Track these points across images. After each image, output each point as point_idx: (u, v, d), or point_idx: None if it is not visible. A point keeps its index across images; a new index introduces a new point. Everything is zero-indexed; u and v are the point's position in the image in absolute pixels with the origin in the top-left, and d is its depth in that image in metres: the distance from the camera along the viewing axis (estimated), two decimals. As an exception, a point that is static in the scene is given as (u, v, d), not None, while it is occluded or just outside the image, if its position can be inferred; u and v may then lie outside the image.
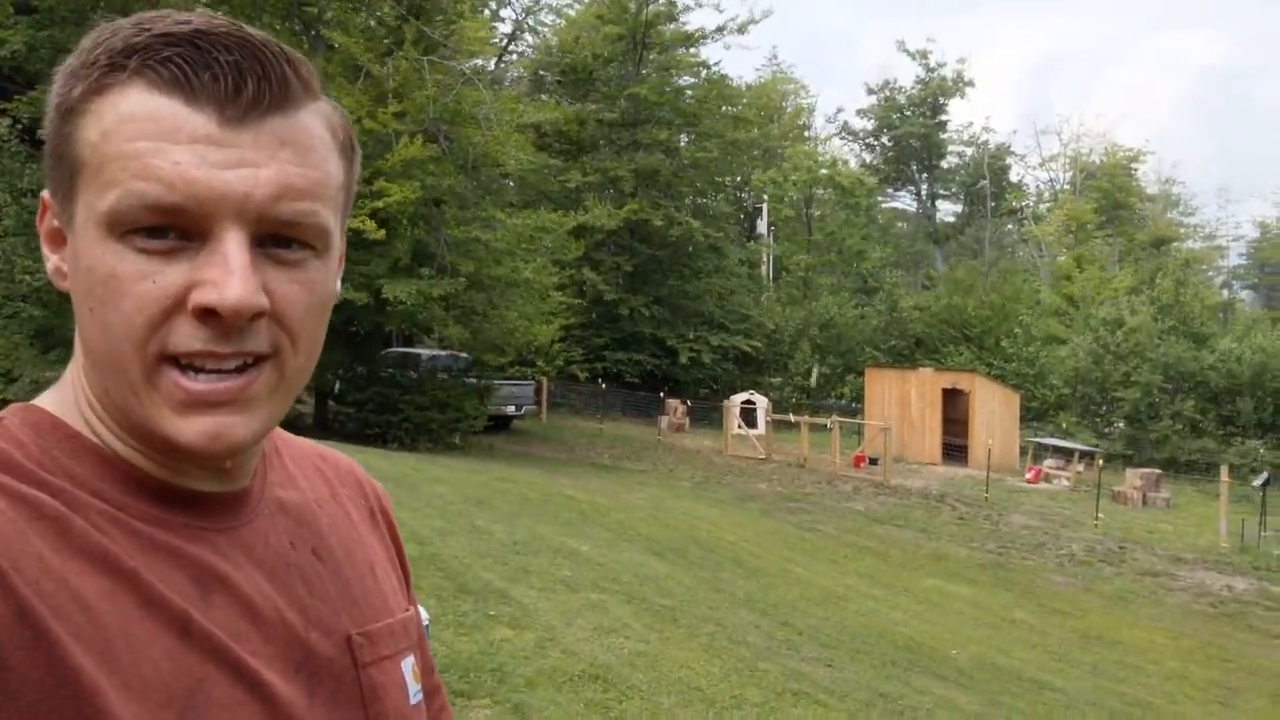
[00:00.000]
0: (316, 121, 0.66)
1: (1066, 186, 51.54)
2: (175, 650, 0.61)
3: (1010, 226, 57.36)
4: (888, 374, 24.71)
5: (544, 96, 29.45)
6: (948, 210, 53.59)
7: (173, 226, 0.60)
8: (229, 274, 0.59)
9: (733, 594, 9.16)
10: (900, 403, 23.70)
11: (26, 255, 14.19)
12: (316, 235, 0.65)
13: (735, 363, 30.51)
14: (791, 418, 22.69)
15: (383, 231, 14.66)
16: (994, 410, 23.44)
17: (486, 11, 24.94)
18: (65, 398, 0.69)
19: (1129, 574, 14.18)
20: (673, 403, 26.54)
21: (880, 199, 45.94)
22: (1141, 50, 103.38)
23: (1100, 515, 17.50)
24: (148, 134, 0.60)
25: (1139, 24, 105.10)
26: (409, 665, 0.81)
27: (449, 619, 5.76)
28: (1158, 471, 20.41)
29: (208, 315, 0.60)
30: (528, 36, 31.30)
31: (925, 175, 50.71)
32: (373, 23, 17.99)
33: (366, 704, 0.74)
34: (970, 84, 47.89)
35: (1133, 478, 19.86)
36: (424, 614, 3.92)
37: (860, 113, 50.37)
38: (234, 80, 0.60)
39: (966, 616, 11.20)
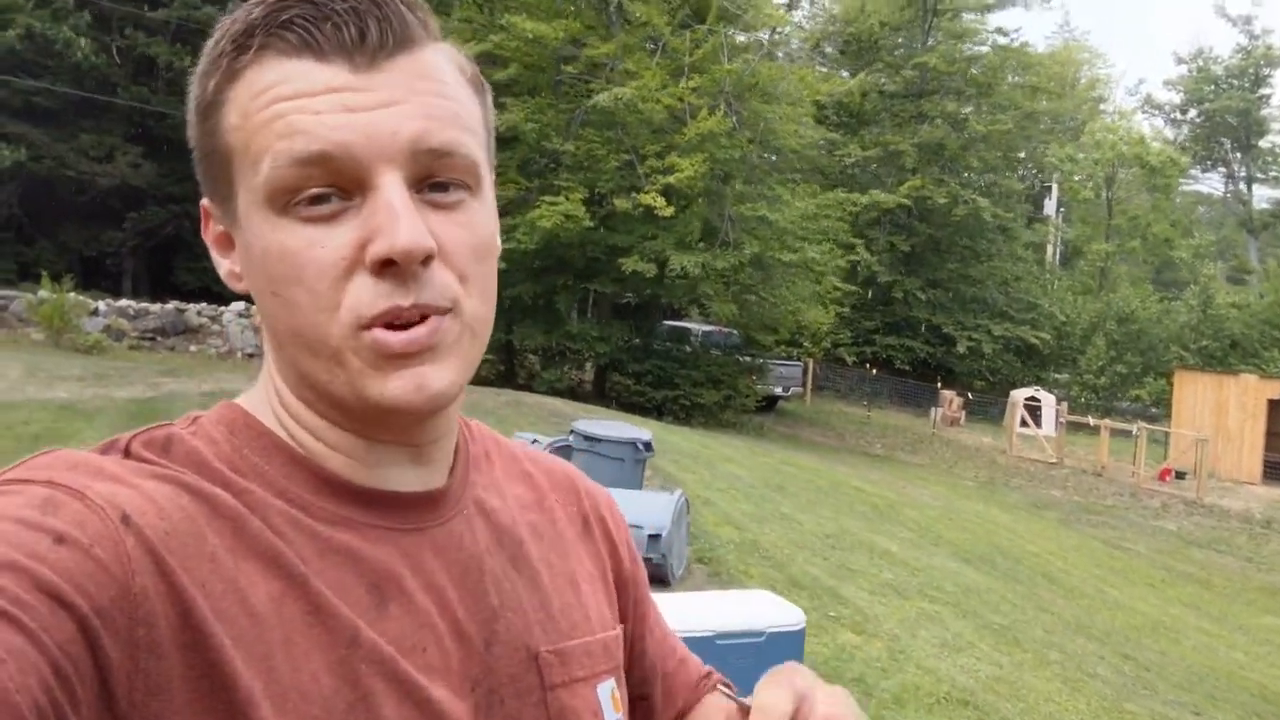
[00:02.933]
0: (442, 58, 0.64)
1: None
2: (339, 663, 0.59)
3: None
4: (1202, 378, 22.12)
5: (822, 68, 28.53)
6: (1263, 196, 47.54)
7: (330, 185, 0.59)
8: (395, 218, 0.58)
9: (1059, 615, 8.33)
10: (1215, 411, 21.14)
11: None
12: (467, 169, 0.63)
13: (1017, 355, 28.47)
14: (1090, 420, 20.81)
15: (671, 208, 14.58)
16: (1332, 427, 20.46)
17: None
18: (260, 397, 0.68)
19: None
20: (947, 394, 25.14)
21: (1181, 181, 41.36)
22: None
23: None
24: (283, 96, 0.59)
25: None
26: (607, 689, 0.74)
27: (789, 617, 5.45)
28: None
29: (384, 268, 0.59)
30: (805, 5, 30.48)
31: (1241, 155, 45.06)
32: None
33: None
34: (1304, 53, 41.93)
35: None
36: (799, 614, 3.48)
37: (1167, 84, 45.40)
38: (355, 26, 0.59)
39: (1324, 666, 9.71)
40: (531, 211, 15.02)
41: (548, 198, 15.13)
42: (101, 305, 18.57)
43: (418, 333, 0.60)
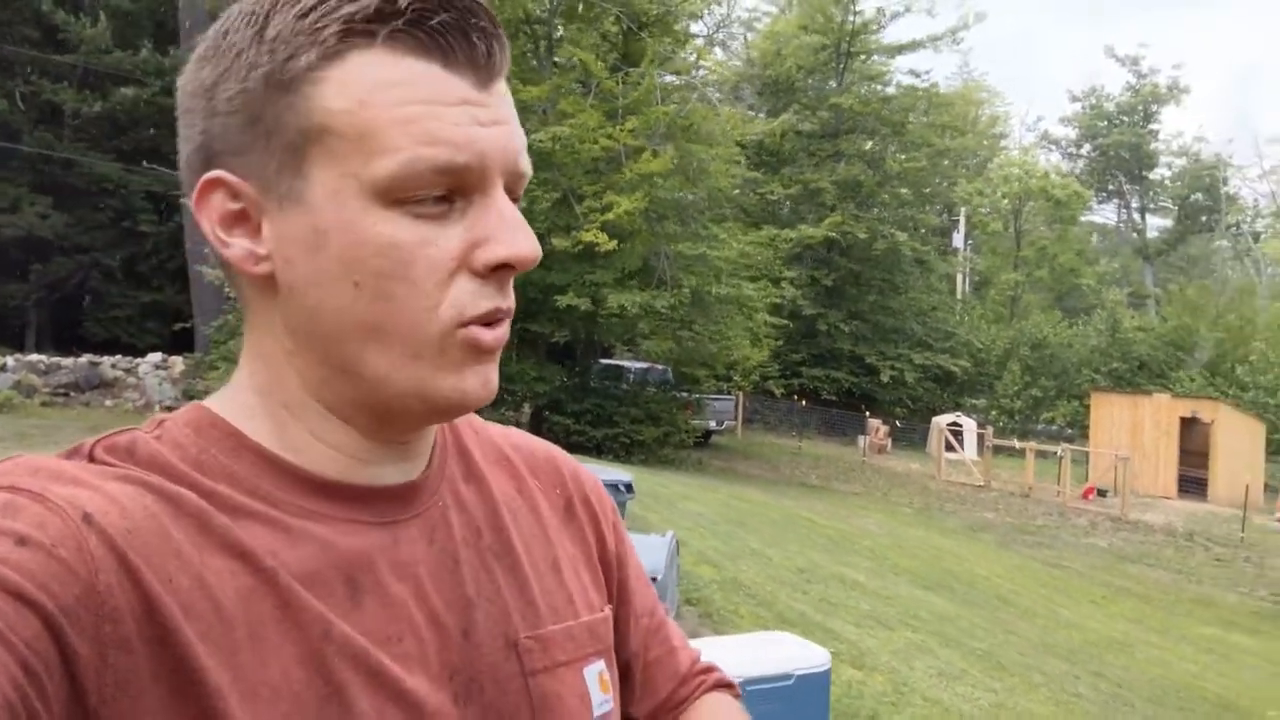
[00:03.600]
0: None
1: (1292, 199, 47.21)
2: (310, 656, 0.59)
3: (1223, 243, 53.16)
4: (1117, 399, 23.06)
5: (741, 110, 29.14)
6: (1154, 225, 50.10)
7: (453, 190, 0.61)
8: (516, 228, 0.62)
9: (1025, 637, 8.53)
10: (1131, 430, 22.02)
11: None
12: (522, 190, 0.66)
13: (937, 382, 29.24)
14: (1016, 443, 21.43)
15: (614, 242, 14.65)
16: (1238, 441, 21.49)
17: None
18: (236, 396, 0.67)
19: None
20: (874, 422, 25.64)
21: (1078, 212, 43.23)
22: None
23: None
24: (417, 98, 0.59)
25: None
26: (594, 672, 0.73)
27: (790, 655, 5.45)
28: None
29: (495, 271, 0.61)
30: (717, 51, 31.14)
31: (1134, 187, 47.47)
32: (599, 37, 18.11)
33: (536, 714, 0.68)
34: (1186, 90, 44.56)
35: None
36: (824, 654, 3.49)
37: (1063, 120, 47.69)
38: (485, 45, 0.61)
39: (1263, 671, 10.15)
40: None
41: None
42: (9, 360, 17.73)
43: (500, 332, 0.64)
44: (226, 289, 17.36)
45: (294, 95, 0.59)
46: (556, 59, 18.14)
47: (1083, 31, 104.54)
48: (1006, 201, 33.55)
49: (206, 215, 0.63)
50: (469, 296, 0.61)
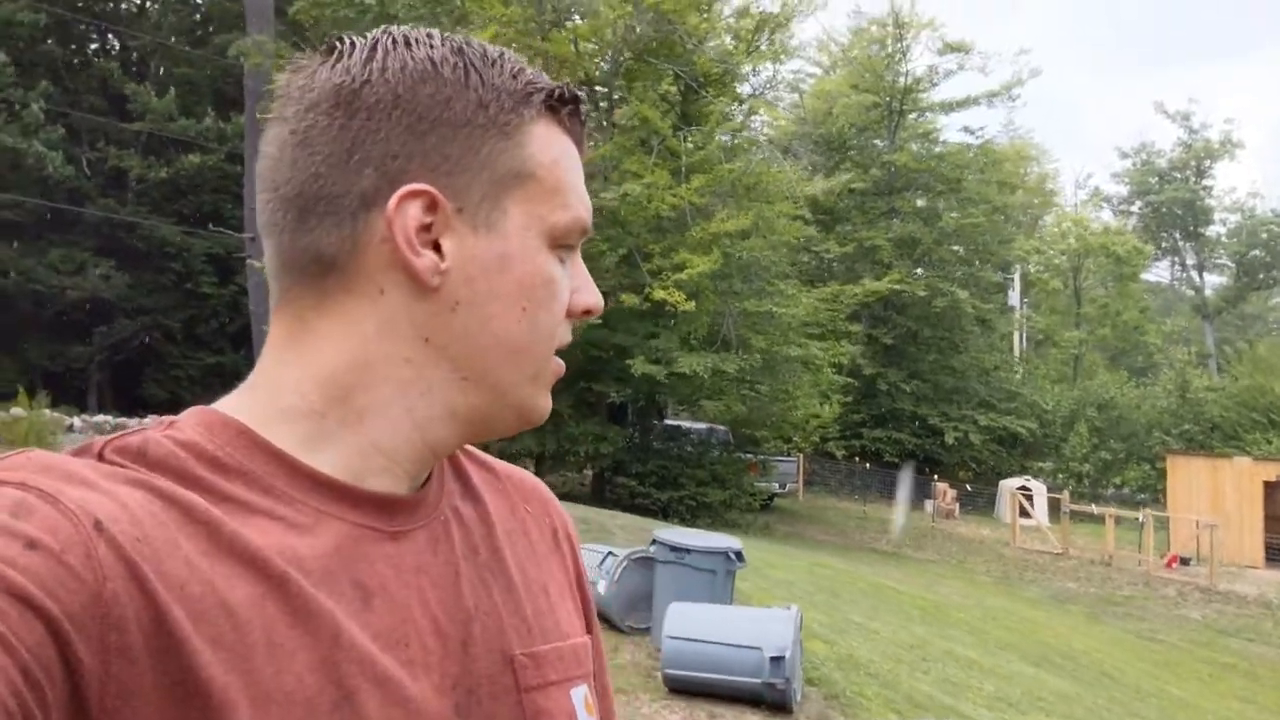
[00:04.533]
0: None
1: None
2: (322, 662, 0.59)
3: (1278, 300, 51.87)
4: (1195, 463, 22.16)
5: (801, 168, 29.10)
6: (1211, 283, 49.04)
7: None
8: (591, 281, 0.73)
9: (1147, 718, 7.90)
10: (1211, 495, 21.11)
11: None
12: None
13: (1001, 444, 28.44)
14: (1094, 509, 20.64)
15: (693, 303, 14.39)
16: (1328, 507, 20.52)
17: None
18: (260, 402, 0.67)
19: None
20: (941, 486, 24.90)
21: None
22: None
23: None
24: (575, 169, 0.71)
25: None
26: (580, 695, 0.75)
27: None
28: None
29: (585, 314, 0.72)
30: (762, 111, 31.19)
31: (1189, 244, 46.59)
32: (658, 98, 18.10)
33: None
34: (1240, 145, 43.93)
35: None
36: None
37: (1114, 177, 47.16)
38: (582, 128, 0.73)
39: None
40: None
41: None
42: (76, 420, 17.75)
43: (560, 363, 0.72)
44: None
45: (510, 141, 0.67)
46: (616, 121, 18.14)
47: (1129, 88, 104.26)
48: (1065, 258, 32.91)
49: (401, 222, 0.65)
50: (564, 331, 0.71)
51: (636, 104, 16.19)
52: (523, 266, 0.67)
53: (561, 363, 0.72)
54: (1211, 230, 46.72)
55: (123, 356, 26.49)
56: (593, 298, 0.72)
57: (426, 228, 0.66)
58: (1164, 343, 32.77)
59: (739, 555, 6.36)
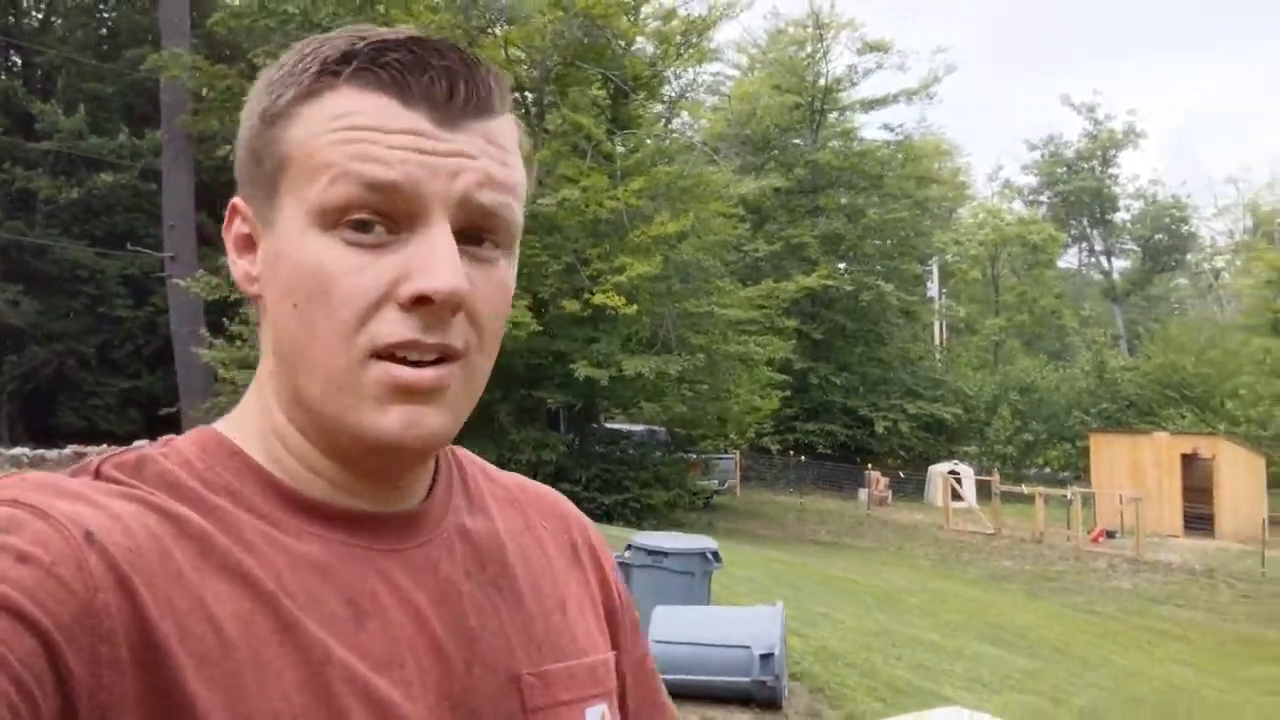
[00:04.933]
0: (512, 130, 0.68)
1: (1246, 236, 48.36)
2: (311, 680, 0.58)
3: (1183, 280, 54.21)
4: (1116, 440, 23.05)
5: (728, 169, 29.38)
6: (1117, 267, 51.06)
7: (382, 214, 0.61)
8: (442, 261, 0.60)
9: (1104, 688, 8.24)
10: (1132, 471, 21.98)
11: None
12: (508, 232, 0.66)
13: (929, 430, 29.19)
14: (1024, 489, 21.32)
15: (634, 306, 14.45)
16: (1239, 476, 21.53)
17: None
18: (242, 418, 0.69)
19: None
20: (874, 475, 25.43)
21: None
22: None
23: None
24: (362, 125, 0.62)
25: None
26: (597, 714, 0.73)
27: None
28: None
29: (417, 304, 0.60)
30: (685, 114, 31.46)
31: (1098, 231, 48.41)
32: (589, 102, 18.12)
33: None
34: (1142, 135, 45.86)
35: None
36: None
37: (1024, 169, 48.74)
38: (447, 84, 0.63)
39: (1337, 712, 9.90)
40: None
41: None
42: (-7, 454, 16.98)
43: (430, 372, 0.61)
44: (220, 370, 16.88)
45: (276, 129, 0.64)
46: (547, 127, 18.11)
47: (1035, 83, 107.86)
48: (983, 249, 33.99)
49: (228, 236, 0.68)
50: (391, 327, 0.60)
51: (568, 110, 16.19)
52: (287, 259, 0.63)
53: (406, 370, 0.61)
54: (1118, 217, 48.65)
55: (34, 385, 25.41)
56: (426, 282, 0.60)
57: (248, 240, 0.67)
58: (1080, 326, 34.01)
59: (716, 555, 6.45)
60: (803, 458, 27.06)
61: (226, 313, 15.89)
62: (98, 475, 0.62)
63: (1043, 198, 49.46)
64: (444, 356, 0.62)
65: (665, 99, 19.84)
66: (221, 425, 0.69)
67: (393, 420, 0.61)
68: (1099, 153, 45.60)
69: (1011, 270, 38.80)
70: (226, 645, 0.56)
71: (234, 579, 0.59)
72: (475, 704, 0.66)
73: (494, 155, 0.64)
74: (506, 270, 0.67)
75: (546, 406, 19.07)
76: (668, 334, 16.30)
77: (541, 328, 15.16)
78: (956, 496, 22.71)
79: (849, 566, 14.94)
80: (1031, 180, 49.31)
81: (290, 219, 0.63)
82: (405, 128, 0.61)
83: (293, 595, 0.60)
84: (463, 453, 0.80)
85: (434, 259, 0.60)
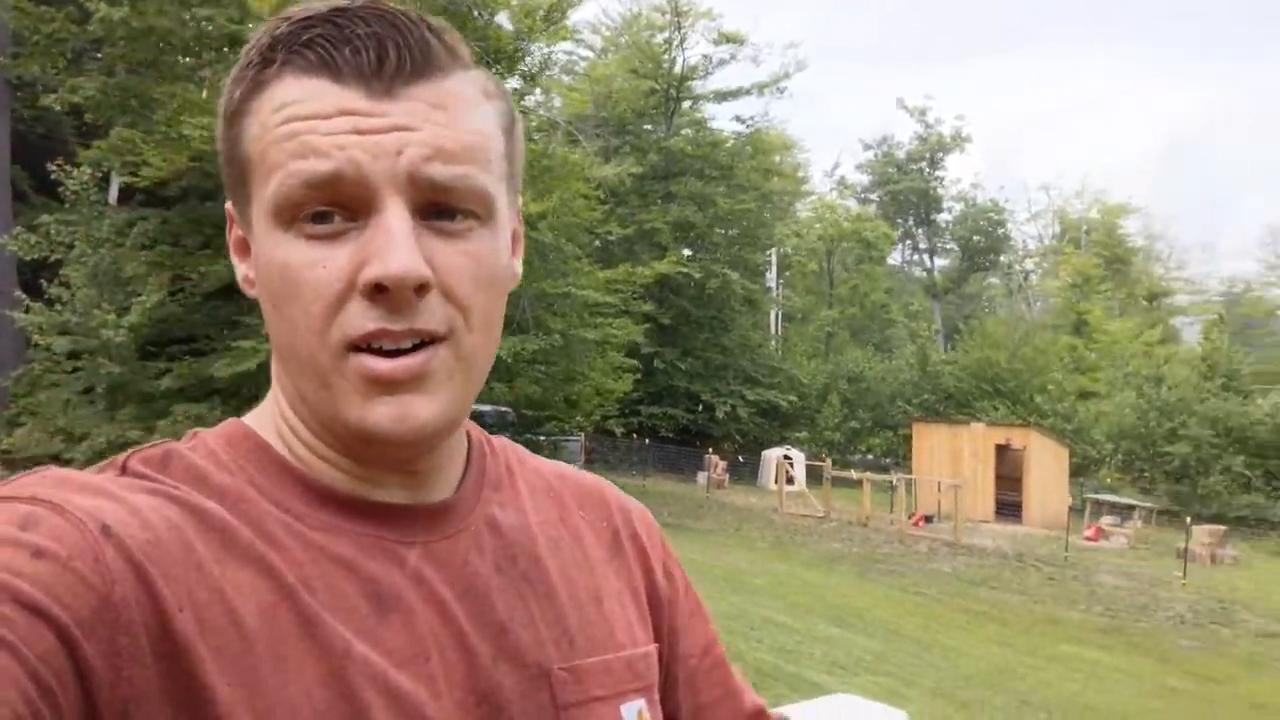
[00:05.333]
0: (468, 88, 0.64)
1: (1055, 241, 52.44)
2: (332, 675, 0.58)
3: (994, 280, 58.15)
4: (937, 429, 24.53)
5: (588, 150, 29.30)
6: (938, 265, 54.28)
7: (335, 205, 0.60)
8: (391, 244, 0.58)
9: (940, 668, 8.78)
10: (951, 459, 23.48)
11: (109, 306, 13.52)
12: (476, 200, 0.62)
13: (765, 416, 30.22)
14: (854, 474, 22.38)
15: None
16: (1046, 466, 23.33)
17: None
18: (264, 411, 0.69)
19: (1246, 635, 13.96)
20: (713, 458, 26.11)
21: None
22: (1126, 105, 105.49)
23: (1182, 574, 17.36)
24: (299, 115, 0.60)
25: (1126, 75, 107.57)
26: (633, 710, 0.71)
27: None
28: (1223, 528, 20.35)
29: (376, 291, 0.59)
30: (536, 93, 31.21)
31: (922, 230, 51.25)
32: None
33: None
34: (968, 139, 48.73)
35: (1200, 534, 19.75)
36: (903, 716, 3.43)
37: (858, 167, 51.02)
38: (375, 52, 0.60)
39: (1128, 686, 10.90)
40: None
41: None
42: None
43: (408, 361, 0.60)
44: (34, 337, 15.52)
45: (236, 129, 0.63)
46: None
47: (870, 82, 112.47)
48: (820, 243, 35.44)
49: (230, 241, 0.68)
50: (358, 319, 0.59)
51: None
52: (264, 261, 0.63)
53: (381, 361, 0.60)
54: (941, 217, 51.63)
55: None
56: (380, 268, 0.58)
57: (242, 241, 0.67)
58: (907, 320, 36.06)
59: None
60: (646, 440, 27.47)
61: (44, 273, 14.62)
62: (124, 471, 0.62)
63: (874, 196, 51.89)
64: (423, 341, 0.60)
65: (523, 74, 19.50)
66: (249, 419, 0.69)
67: (380, 413, 0.61)
68: (928, 155, 48.17)
69: (844, 265, 40.63)
70: (247, 639, 0.56)
71: (256, 571, 0.58)
72: (503, 699, 0.65)
73: (441, 121, 0.61)
74: (487, 240, 0.64)
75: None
76: (524, 314, 16.16)
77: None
78: (789, 480, 23.63)
79: (693, 549, 15.28)
80: (864, 179, 51.62)
81: (258, 220, 0.62)
82: (341, 108, 0.59)
83: (314, 589, 0.60)
84: (499, 441, 0.79)
85: (386, 244, 0.58)
